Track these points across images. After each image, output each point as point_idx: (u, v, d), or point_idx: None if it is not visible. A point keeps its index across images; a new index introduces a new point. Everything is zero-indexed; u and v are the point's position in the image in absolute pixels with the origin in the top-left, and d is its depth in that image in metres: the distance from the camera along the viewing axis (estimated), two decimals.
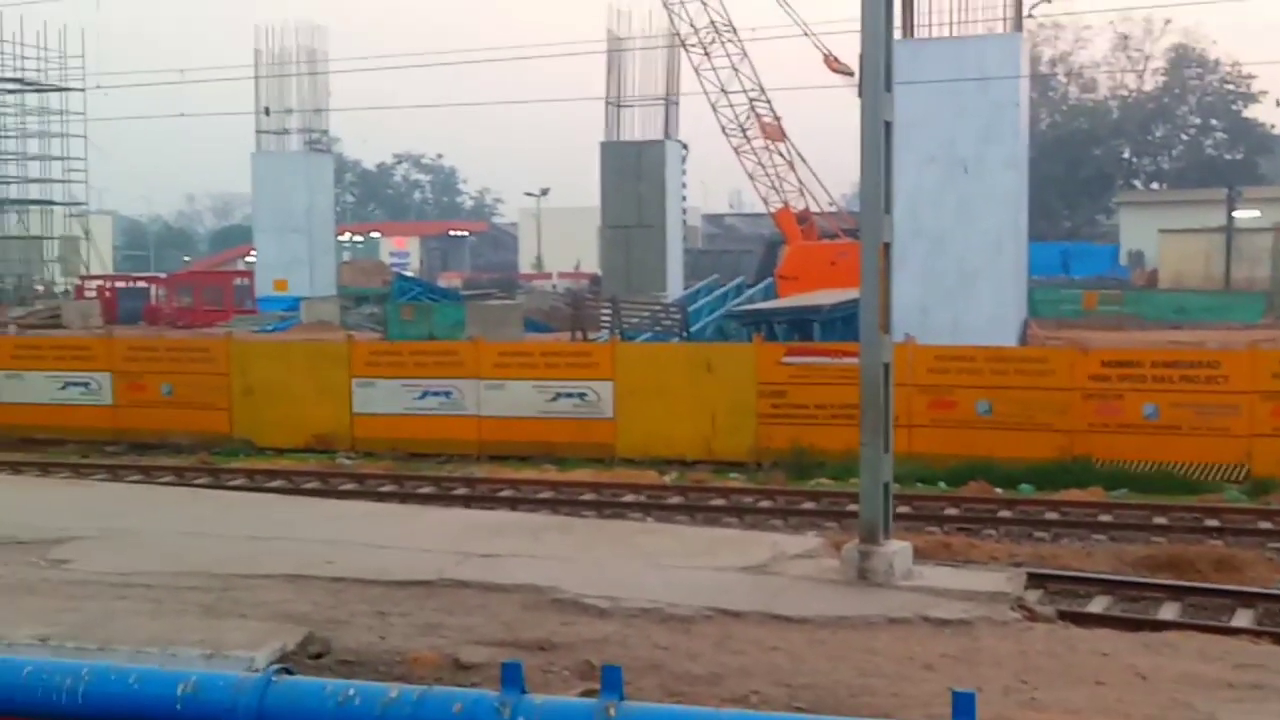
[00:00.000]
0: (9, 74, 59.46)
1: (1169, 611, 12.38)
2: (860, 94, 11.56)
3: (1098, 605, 12.52)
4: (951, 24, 31.42)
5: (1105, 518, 17.38)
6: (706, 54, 44.41)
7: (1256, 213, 66.53)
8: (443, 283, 69.75)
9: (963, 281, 30.15)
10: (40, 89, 61.02)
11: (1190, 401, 20.02)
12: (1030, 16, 32.89)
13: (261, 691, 4.00)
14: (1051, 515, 17.56)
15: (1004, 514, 17.72)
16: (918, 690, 8.35)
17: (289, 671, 4.22)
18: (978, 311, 29.59)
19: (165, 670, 4.33)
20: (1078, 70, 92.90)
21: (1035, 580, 12.41)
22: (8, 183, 62.93)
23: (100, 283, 63.77)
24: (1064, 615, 11.28)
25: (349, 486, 20.29)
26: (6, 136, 61.94)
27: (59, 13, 63.82)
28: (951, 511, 17.88)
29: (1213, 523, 16.97)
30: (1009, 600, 10.81)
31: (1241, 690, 8.67)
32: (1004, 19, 31.49)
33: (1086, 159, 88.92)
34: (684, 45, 45.77)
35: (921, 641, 9.62)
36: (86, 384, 26.19)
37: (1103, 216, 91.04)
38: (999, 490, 19.12)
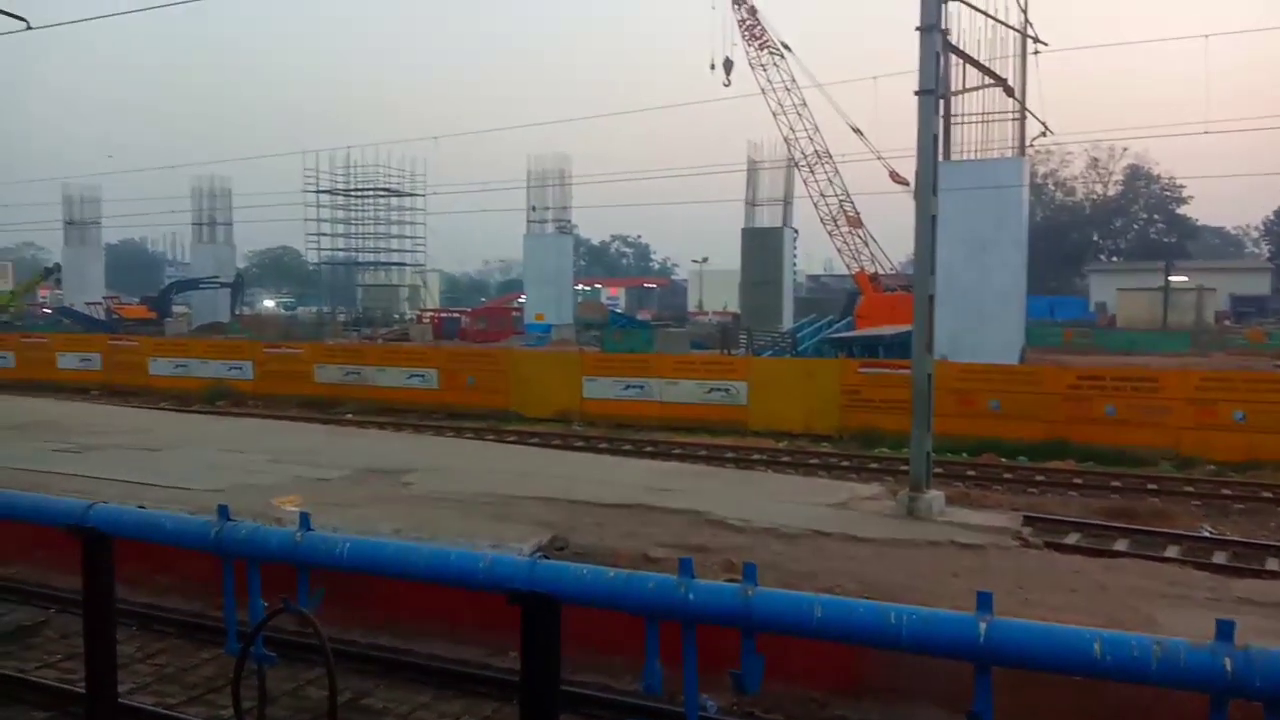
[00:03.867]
0: (380, 185, 62.30)
1: (1121, 544, 11.82)
2: (915, 197, 11.33)
3: (1072, 538, 12.01)
4: (977, 150, 30.83)
5: (1077, 480, 16.59)
6: (811, 171, 43.69)
7: (1185, 278, 66.09)
8: (640, 317, 70.02)
9: (982, 321, 29.27)
10: (398, 194, 63.65)
11: (1138, 404, 19.00)
12: (1030, 145, 31.61)
13: (531, 567, 4.08)
14: (1040, 478, 16.85)
15: (1007, 476, 17.08)
16: (947, 589, 8.10)
17: (546, 557, 4.29)
18: (992, 341, 28.78)
19: (477, 552, 4.44)
20: (1062, 181, 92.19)
21: (1029, 521, 11.96)
22: (378, 251, 65.84)
23: (431, 313, 65.86)
24: (1049, 544, 10.83)
25: (579, 444, 20.56)
26: (379, 224, 64.79)
27: (411, 147, 66.89)
28: (971, 473, 17.32)
29: (1152, 486, 16.06)
30: (1011, 533, 10.43)
31: (1171, 600, 8.22)
32: (1012, 147, 30.71)
33: (1067, 241, 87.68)
34: (797, 165, 45.22)
35: (950, 557, 9.34)
36: (423, 375, 26.92)
37: (1078, 279, 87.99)
38: (1004, 460, 18.47)
